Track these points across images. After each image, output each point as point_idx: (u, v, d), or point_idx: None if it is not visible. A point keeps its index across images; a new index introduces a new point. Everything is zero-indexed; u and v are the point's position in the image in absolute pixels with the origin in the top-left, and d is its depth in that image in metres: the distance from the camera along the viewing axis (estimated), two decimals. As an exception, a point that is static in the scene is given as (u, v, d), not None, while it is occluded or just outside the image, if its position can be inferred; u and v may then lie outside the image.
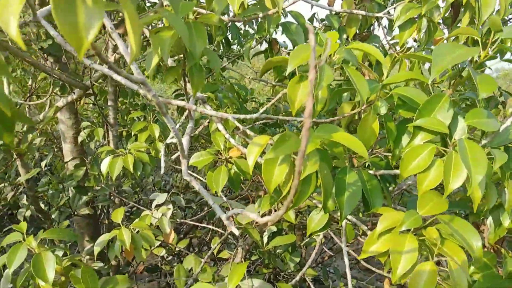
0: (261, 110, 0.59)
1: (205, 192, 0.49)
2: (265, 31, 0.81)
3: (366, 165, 0.76)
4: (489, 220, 0.68)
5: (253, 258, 1.72)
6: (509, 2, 0.65)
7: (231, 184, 0.85)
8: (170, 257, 2.03)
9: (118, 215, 1.07)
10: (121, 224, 1.04)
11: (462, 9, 0.73)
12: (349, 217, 0.70)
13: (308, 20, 1.01)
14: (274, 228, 1.44)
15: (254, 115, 0.58)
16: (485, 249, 0.74)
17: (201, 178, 1.30)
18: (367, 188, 0.65)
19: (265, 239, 1.44)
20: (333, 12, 0.87)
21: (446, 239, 0.53)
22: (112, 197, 1.81)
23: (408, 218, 0.54)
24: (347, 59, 0.54)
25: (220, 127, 0.75)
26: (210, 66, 0.54)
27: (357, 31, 0.94)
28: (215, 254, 1.72)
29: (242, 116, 0.56)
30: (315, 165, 0.46)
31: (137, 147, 1.28)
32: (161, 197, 1.44)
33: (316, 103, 0.51)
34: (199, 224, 1.63)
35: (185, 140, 0.55)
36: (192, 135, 0.73)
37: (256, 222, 1.48)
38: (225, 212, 0.48)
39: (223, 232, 1.49)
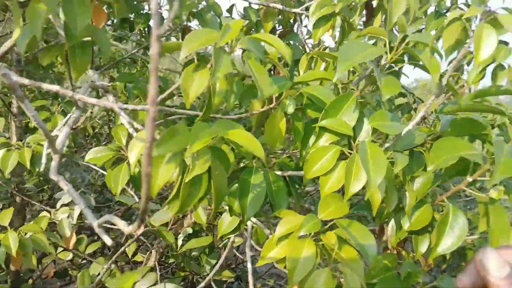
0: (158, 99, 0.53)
1: (75, 195, 0.42)
2: (177, 18, 0.75)
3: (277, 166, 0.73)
4: (391, 223, 0.68)
5: (171, 260, 1.65)
6: (418, 5, 0.66)
7: (134, 184, 0.78)
8: (84, 261, 1.88)
9: (5, 216, 0.94)
10: (8, 227, 0.91)
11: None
12: (254, 219, 0.67)
13: (227, 11, 0.96)
14: (190, 230, 1.38)
15: (146, 106, 0.52)
16: (388, 251, 0.75)
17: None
18: (272, 190, 0.62)
19: (180, 242, 1.38)
20: (252, 4, 0.84)
21: (344, 244, 0.51)
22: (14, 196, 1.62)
23: (307, 222, 0.51)
24: (252, 52, 0.50)
25: (124, 120, 0.67)
26: (99, 47, 0.47)
27: (279, 27, 0.92)
28: (129, 257, 1.61)
29: (131, 107, 0.50)
30: (205, 165, 0.42)
31: (37, 140, 1.14)
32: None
33: (212, 95, 0.46)
34: (112, 226, 1.51)
35: (63, 133, 0.48)
36: (76, 127, 0.64)
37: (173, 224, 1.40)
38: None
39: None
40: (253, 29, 0.89)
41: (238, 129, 0.45)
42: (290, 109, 0.61)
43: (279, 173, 0.67)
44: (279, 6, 0.79)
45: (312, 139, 0.60)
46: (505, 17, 0.48)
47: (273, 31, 0.93)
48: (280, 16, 0.87)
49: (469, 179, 0.66)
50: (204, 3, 0.80)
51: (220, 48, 0.43)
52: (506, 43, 1.11)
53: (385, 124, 0.53)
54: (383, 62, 0.56)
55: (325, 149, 0.55)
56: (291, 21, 0.90)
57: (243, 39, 0.48)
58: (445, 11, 1.17)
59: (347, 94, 0.56)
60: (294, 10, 0.79)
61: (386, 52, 0.53)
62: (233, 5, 0.94)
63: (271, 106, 0.65)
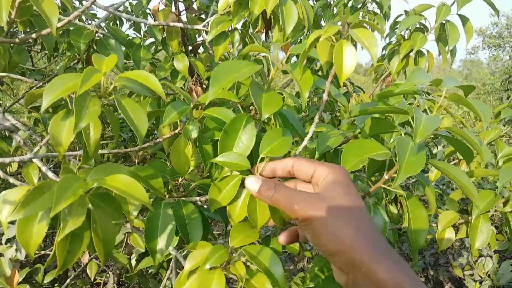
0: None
1: None
2: (77, 48, 0.71)
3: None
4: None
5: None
6: (312, 14, 0.66)
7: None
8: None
9: None
10: None
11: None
12: (173, 252, 0.65)
13: (134, 30, 0.93)
14: (143, 249, 1.34)
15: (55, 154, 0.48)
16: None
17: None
18: (186, 222, 0.60)
19: (133, 262, 1.34)
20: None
21: (256, 272, 0.50)
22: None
23: (213, 254, 0.50)
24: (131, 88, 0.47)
25: (35, 159, 0.63)
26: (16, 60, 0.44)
27: (189, 42, 0.89)
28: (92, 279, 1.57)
29: (40, 156, 0.47)
30: (79, 219, 0.39)
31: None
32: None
33: (87, 145, 0.43)
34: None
35: None
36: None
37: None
38: None
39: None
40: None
41: (117, 175, 0.42)
42: (194, 134, 0.60)
43: (197, 198, 0.65)
44: (179, 25, 0.76)
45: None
46: (358, 31, 0.49)
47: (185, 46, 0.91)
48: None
49: (386, 176, 0.67)
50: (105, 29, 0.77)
51: (85, 93, 0.41)
52: (422, 30, 1.14)
53: (275, 145, 0.52)
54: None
55: (227, 179, 0.54)
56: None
57: (118, 77, 0.46)
58: (360, 5, 1.19)
59: (242, 115, 0.55)
60: (196, 27, 0.77)
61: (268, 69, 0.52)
62: (139, 24, 0.90)
63: (177, 131, 0.63)
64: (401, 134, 0.74)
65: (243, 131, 0.54)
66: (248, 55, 0.72)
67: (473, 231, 0.82)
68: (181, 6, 0.86)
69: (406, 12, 1.30)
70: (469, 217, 0.90)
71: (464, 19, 1.08)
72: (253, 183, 0.47)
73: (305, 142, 0.55)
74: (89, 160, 0.46)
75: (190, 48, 0.91)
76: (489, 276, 2.37)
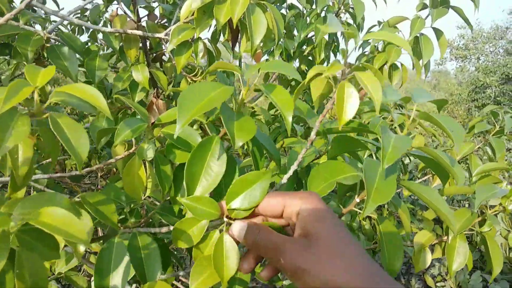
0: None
1: None
2: (21, 57, 0.64)
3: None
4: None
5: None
6: (282, 25, 0.61)
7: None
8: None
9: None
10: None
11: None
12: None
13: (89, 37, 0.86)
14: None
15: None
16: None
17: None
18: (141, 255, 0.53)
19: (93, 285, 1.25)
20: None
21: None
22: None
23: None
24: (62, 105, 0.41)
25: None
26: None
27: (152, 51, 0.83)
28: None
29: None
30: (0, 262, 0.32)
31: None
32: None
33: (15, 172, 0.37)
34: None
35: None
36: None
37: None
38: None
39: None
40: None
41: (50, 208, 0.36)
42: (150, 154, 0.54)
43: (157, 230, 0.59)
44: (138, 32, 0.70)
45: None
46: (363, 75, 0.45)
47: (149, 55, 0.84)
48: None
49: (357, 199, 0.62)
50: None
51: (11, 111, 0.34)
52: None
53: (246, 194, 0.46)
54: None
55: (193, 221, 0.47)
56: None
57: (55, 92, 0.39)
58: (334, 14, 1.16)
59: (211, 136, 0.49)
60: (157, 35, 0.71)
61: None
62: (94, 31, 0.83)
63: (132, 151, 0.57)
64: (370, 154, 0.70)
65: (212, 156, 0.49)
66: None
67: (450, 253, 0.78)
68: (143, 12, 0.80)
69: (379, 22, 1.28)
70: (445, 237, 0.88)
71: (438, 33, 1.06)
72: (239, 230, 0.43)
73: (287, 177, 0.50)
74: (19, 189, 0.39)
75: (152, 57, 0.84)
76: (460, 287, 2.39)
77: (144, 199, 0.70)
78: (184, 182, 0.48)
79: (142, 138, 0.57)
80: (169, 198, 0.59)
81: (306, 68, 1.47)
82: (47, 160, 0.92)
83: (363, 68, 0.48)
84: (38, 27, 0.81)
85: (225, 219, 0.46)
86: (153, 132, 0.58)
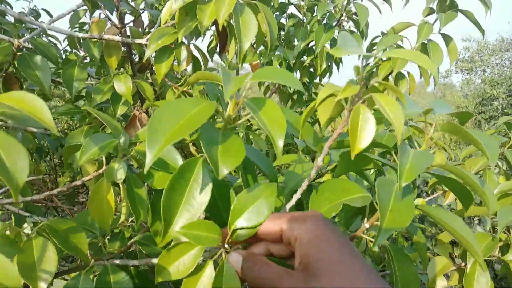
0: None
1: None
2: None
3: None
4: None
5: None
6: (276, 31, 0.54)
7: None
8: None
9: None
10: None
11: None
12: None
13: (69, 45, 0.79)
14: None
15: None
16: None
17: None
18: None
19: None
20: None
21: None
22: None
23: None
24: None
25: None
26: None
27: (140, 61, 0.76)
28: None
29: None
30: None
31: None
32: None
33: None
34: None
35: None
36: None
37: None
38: None
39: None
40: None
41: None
42: (120, 175, 0.46)
43: (135, 262, 0.51)
44: (117, 38, 0.63)
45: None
46: (382, 98, 0.38)
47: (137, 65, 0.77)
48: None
49: (366, 225, 0.54)
50: (29, 44, 0.63)
51: None
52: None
53: (249, 212, 0.39)
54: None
55: (184, 246, 0.40)
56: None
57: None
58: (335, 22, 1.09)
59: (192, 160, 0.42)
60: (138, 41, 0.64)
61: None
62: (74, 38, 0.77)
63: (101, 171, 0.49)
64: (379, 173, 0.62)
65: (194, 182, 0.41)
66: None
67: (469, 282, 0.69)
68: (130, 18, 0.74)
69: (382, 34, 1.21)
70: (462, 263, 0.79)
71: (447, 39, 0.99)
72: (236, 262, 0.38)
73: (292, 203, 0.43)
74: None
75: (138, 67, 0.77)
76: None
77: (119, 225, 0.63)
78: (161, 213, 0.40)
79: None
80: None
81: (307, 80, 1.40)
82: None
83: (378, 89, 0.41)
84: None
85: (226, 245, 0.40)
86: (129, 150, 0.50)
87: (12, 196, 0.80)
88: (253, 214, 0.39)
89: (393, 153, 0.63)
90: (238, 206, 0.40)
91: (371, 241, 0.56)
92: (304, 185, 0.45)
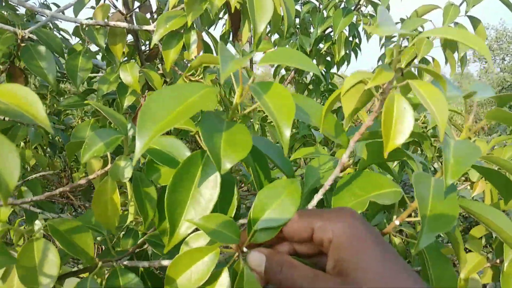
0: None
1: None
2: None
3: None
4: None
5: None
6: (293, 9, 0.49)
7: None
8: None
9: None
10: None
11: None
12: None
13: (73, 34, 0.76)
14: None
15: None
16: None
17: None
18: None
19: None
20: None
21: None
22: None
23: None
24: None
25: None
26: None
27: (147, 48, 0.73)
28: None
29: None
30: None
31: None
32: None
33: None
34: None
35: None
36: None
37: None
38: None
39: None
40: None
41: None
42: (127, 173, 0.42)
43: (145, 264, 0.47)
44: (123, 25, 0.59)
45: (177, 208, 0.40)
46: (420, 85, 0.33)
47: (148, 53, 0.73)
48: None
49: (396, 222, 0.49)
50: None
51: None
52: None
53: (273, 209, 0.35)
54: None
55: (196, 252, 0.35)
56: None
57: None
58: (354, 6, 1.03)
59: (197, 153, 0.38)
60: (145, 27, 0.60)
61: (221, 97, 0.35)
62: (78, 27, 0.73)
63: (106, 169, 0.45)
64: (402, 165, 0.57)
65: (201, 177, 0.37)
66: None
67: (506, 281, 0.64)
68: (135, 4, 0.69)
69: (402, 20, 1.15)
70: (496, 259, 0.73)
71: (475, 21, 0.92)
72: (258, 262, 0.34)
73: (318, 197, 0.38)
74: None
75: (146, 55, 0.73)
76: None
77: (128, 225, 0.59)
78: (166, 212, 0.36)
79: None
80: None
81: (324, 69, 1.35)
82: (36, 175, 0.81)
83: (414, 75, 0.36)
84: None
85: (245, 249, 0.35)
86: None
87: (20, 195, 0.77)
88: (277, 212, 0.35)
89: (424, 147, 0.57)
90: (259, 204, 0.36)
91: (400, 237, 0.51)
92: (327, 184, 0.40)
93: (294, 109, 0.34)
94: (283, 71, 1.43)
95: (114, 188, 0.42)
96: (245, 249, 0.35)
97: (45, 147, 1.24)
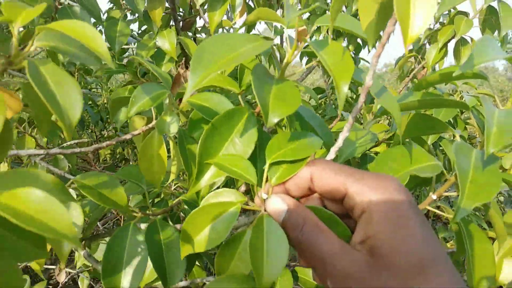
0: None
1: None
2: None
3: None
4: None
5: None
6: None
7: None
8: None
9: None
10: None
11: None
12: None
13: (110, 1, 0.75)
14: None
15: None
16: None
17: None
18: (162, 251, 0.42)
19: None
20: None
21: None
22: None
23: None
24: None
25: None
26: None
27: (182, 19, 0.72)
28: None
29: None
30: None
31: None
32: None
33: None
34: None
35: None
36: None
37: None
38: None
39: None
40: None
41: (26, 189, 0.25)
42: (173, 129, 0.42)
43: (178, 227, 0.47)
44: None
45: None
46: None
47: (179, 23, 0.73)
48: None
49: (433, 197, 0.49)
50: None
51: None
52: (465, 14, 0.96)
53: (288, 149, 0.34)
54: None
55: (218, 206, 0.32)
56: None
57: (38, 30, 0.29)
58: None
59: (241, 108, 0.37)
60: (187, -9, 0.60)
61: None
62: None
63: (152, 125, 0.46)
64: (454, 137, 0.56)
65: (240, 131, 0.37)
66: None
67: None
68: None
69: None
70: (531, 244, 0.72)
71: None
72: (278, 209, 0.30)
73: (338, 145, 0.36)
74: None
75: (181, 24, 0.73)
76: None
77: (168, 185, 0.60)
78: (197, 156, 0.35)
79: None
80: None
81: (354, 52, 1.32)
82: (71, 142, 0.83)
83: None
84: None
85: (264, 195, 0.32)
86: (177, 105, 0.47)
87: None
88: (293, 151, 0.33)
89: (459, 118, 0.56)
90: (275, 142, 0.35)
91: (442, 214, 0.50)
92: (340, 140, 0.37)
93: (353, 66, 0.33)
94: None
95: (161, 143, 0.42)
96: (264, 195, 0.32)
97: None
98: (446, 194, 0.48)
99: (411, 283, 0.24)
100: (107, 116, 1.69)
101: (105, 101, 2.00)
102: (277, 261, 0.28)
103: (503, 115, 0.40)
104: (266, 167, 0.33)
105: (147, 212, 0.45)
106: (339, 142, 0.36)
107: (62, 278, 0.97)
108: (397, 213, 0.26)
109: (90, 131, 1.87)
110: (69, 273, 1.07)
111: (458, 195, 0.39)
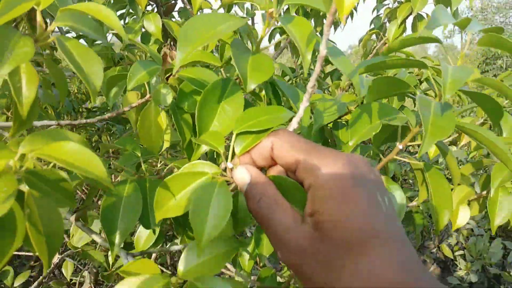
0: None
1: None
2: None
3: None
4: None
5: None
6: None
7: None
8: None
9: None
10: None
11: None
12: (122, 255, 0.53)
13: None
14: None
15: None
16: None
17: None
18: (147, 201, 0.48)
19: (111, 259, 1.21)
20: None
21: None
22: None
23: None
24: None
25: None
26: None
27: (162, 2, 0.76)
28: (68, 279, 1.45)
29: None
30: (7, 203, 0.27)
31: None
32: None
33: (19, 105, 0.31)
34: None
35: None
36: None
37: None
38: None
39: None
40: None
41: (63, 142, 0.30)
42: (168, 100, 0.48)
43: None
44: (147, -27, 0.63)
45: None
46: None
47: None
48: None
49: (400, 146, 0.57)
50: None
51: (7, 29, 0.29)
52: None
53: (259, 120, 0.36)
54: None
55: (189, 176, 0.34)
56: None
57: (60, 12, 0.33)
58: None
59: (226, 79, 0.43)
60: (168, -24, 0.64)
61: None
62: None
63: (147, 98, 0.51)
64: (414, 94, 0.64)
65: (226, 98, 0.43)
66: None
67: (493, 206, 0.73)
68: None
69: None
70: (482, 192, 0.82)
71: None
72: (243, 180, 0.31)
73: (299, 115, 0.38)
74: (24, 128, 0.34)
75: (164, 9, 0.78)
76: (481, 255, 2.34)
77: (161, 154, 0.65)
78: (196, 124, 0.41)
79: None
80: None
81: (320, 32, 1.40)
82: (65, 122, 0.86)
83: None
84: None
85: (230, 165, 0.34)
86: (166, 80, 0.52)
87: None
88: (257, 123, 0.35)
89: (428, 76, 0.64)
90: (243, 116, 0.37)
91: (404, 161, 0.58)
92: (301, 110, 0.41)
93: (314, 37, 0.39)
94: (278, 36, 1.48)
95: (158, 112, 0.48)
96: (230, 165, 0.33)
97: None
98: (410, 144, 0.57)
99: (350, 254, 0.25)
100: (79, 106, 1.71)
101: (76, 91, 2.00)
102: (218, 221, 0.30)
103: (456, 69, 0.47)
104: (233, 138, 0.35)
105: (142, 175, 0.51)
106: (300, 112, 0.39)
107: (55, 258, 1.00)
108: (342, 189, 0.26)
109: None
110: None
111: (420, 144, 0.47)
